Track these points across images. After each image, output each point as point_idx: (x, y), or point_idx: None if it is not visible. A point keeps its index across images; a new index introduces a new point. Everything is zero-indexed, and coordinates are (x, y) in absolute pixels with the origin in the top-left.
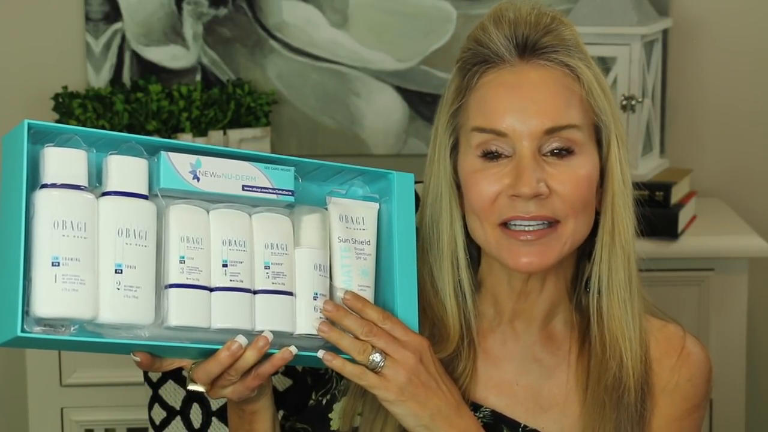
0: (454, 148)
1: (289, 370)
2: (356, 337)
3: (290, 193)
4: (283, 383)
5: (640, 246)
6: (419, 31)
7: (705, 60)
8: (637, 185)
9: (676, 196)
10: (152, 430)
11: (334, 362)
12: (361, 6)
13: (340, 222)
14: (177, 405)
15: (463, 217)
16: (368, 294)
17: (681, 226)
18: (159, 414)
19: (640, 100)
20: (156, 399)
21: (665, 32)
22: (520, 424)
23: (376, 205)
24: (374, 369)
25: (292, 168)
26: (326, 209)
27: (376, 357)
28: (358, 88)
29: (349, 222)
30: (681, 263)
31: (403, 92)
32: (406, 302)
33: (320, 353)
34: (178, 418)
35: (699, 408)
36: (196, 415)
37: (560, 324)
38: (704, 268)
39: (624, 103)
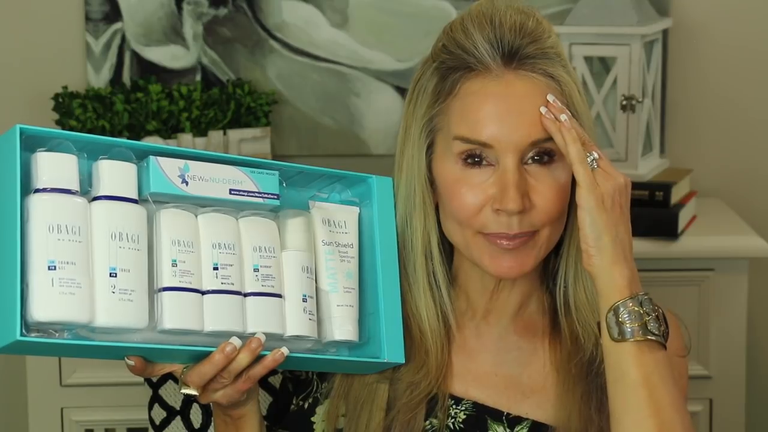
0: (430, 147)
1: (267, 385)
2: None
3: (275, 196)
4: (265, 400)
5: (640, 245)
6: (419, 31)
7: (705, 60)
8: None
9: (676, 196)
10: (152, 430)
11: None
12: (361, 6)
13: (323, 225)
14: (177, 405)
15: (437, 211)
16: (353, 295)
17: (681, 226)
18: (159, 414)
19: (640, 100)
20: (156, 399)
21: (665, 32)
22: (503, 412)
23: (357, 209)
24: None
25: (277, 172)
26: (309, 213)
27: (591, 158)
28: (358, 88)
29: (332, 225)
30: (681, 263)
31: (403, 92)
32: (390, 303)
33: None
34: (178, 418)
35: (677, 357)
36: (196, 415)
37: (533, 311)
38: (704, 268)
39: (624, 103)
